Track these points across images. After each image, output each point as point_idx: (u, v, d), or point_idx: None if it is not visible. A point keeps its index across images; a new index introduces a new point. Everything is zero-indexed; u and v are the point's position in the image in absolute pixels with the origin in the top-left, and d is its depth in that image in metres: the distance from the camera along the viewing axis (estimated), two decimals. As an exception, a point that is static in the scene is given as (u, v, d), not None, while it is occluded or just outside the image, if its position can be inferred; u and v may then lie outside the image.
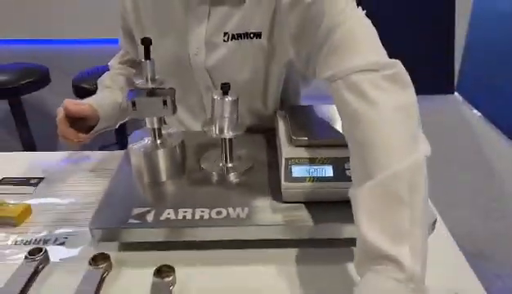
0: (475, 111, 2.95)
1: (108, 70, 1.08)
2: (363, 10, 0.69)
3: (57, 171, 0.90)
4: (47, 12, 2.19)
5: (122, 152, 0.89)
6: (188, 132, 0.83)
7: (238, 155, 0.78)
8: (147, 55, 0.69)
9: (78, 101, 0.85)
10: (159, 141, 0.76)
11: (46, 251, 0.64)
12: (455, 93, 3.16)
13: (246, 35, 0.84)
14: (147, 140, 0.76)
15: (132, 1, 0.91)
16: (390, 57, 0.63)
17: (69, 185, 0.86)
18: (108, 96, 0.97)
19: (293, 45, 0.79)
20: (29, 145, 2.17)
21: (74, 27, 2.34)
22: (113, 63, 1.09)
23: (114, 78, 1.04)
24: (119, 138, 2.17)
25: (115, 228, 0.65)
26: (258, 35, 0.84)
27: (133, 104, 0.71)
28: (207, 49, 0.87)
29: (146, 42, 0.69)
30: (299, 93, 1.06)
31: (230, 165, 0.77)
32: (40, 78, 2.05)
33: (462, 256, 0.67)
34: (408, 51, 1.30)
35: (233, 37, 0.85)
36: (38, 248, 0.64)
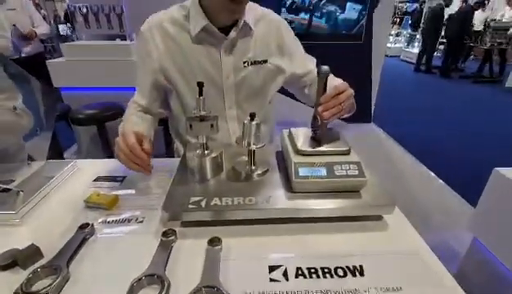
0: (386, 134, 3.00)
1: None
2: None
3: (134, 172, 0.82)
4: (122, 68, 2.12)
5: (178, 159, 0.81)
6: (226, 147, 0.76)
7: (259, 161, 0.72)
8: (200, 93, 0.64)
9: (136, 131, 0.70)
10: (206, 151, 0.70)
11: (92, 225, 0.59)
12: (372, 123, 3.20)
13: (258, 62, 0.86)
14: (198, 151, 0.70)
15: (171, 63, 0.81)
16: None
17: (143, 181, 0.78)
18: (147, 128, 0.82)
19: (287, 67, 0.90)
20: (110, 155, 2.08)
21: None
22: (132, 108, 0.86)
23: (141, 115, 0.85)
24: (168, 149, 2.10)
25: (180, 211, 0.59)
26: (264, 61, 0.86)
27: (190, 126, 0.65)
28: (234, 72, 0.84)
29: (200, 85, 0.64)
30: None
31: (253, 167, 0.71)
32: (117, 112, 1.98)
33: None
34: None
35: (250, 63, 0.85)
36: (86, 223, 0.58)
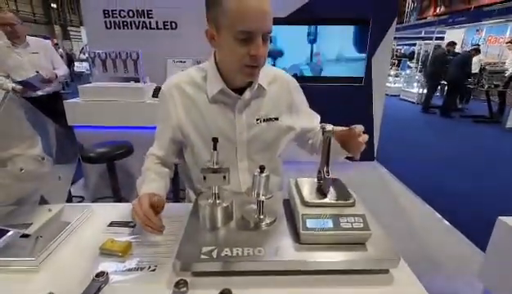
0: (389, 172, 3.03)
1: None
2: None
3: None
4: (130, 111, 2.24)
5: (189, 204, 0.85)
6: (235, 195, 0.80)
7: (267, 211, 0.75)
8: (215, 148, 0.69)
9: (151, 193, 0.75)
10: (218, 201, 0.74)
11: (107, 273, 0.61)
12: (375, 160, 3.25)
13: (270, 119, 0.90)
14: (210, 200, 0.74)
15: (189, 121, 0.87)
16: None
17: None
18: (163, 186, 0.84)
19: (296, 123, 0.95)
20: (117, 193, 2.10)
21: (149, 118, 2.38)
22: (150, 161, 0.91)
23: (158, 170, 0.88)
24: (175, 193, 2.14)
25: (192, 261, 0.61)
26: (276, 119, 0.91)
27: (204, 178, 0.70)
28: (247, 129, 0.89)
29: (215, 140, 0.69)
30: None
31: (262, 217, 0.74)
32: (127, 150, 2.04)
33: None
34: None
35: (263, 120, 0.90)
36: (101, 272, 0.61)
